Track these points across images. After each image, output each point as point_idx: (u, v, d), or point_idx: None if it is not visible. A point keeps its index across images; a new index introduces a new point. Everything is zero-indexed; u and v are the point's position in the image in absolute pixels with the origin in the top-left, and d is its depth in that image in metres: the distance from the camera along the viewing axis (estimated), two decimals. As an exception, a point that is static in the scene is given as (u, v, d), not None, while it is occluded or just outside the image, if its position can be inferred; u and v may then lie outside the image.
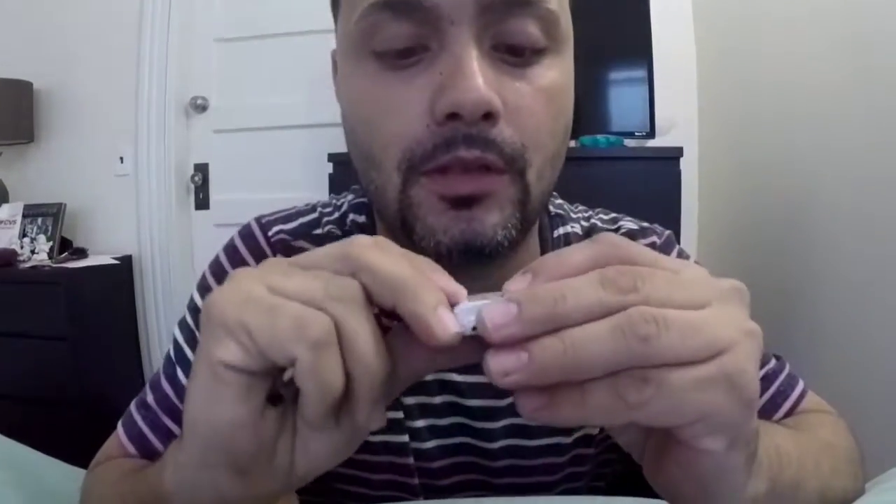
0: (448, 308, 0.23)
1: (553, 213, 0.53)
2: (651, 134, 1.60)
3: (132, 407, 0.49)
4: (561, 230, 0.52)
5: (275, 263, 0.25)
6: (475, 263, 0.37)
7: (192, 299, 0.51)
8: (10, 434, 0.50)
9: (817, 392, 0.50)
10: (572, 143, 1.39)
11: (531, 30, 0.36)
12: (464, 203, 0.36)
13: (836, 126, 1.17)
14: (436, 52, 0.35)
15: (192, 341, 0.48)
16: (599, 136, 1.49)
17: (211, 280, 0.50)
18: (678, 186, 1.38)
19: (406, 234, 0.38)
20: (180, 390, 0.47)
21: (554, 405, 0.21)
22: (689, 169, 1.56)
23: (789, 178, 1.34)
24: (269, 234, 0.51)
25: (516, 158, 0.36)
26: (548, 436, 0.48)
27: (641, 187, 1.38)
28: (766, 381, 0.48)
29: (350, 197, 0.54)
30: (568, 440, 0.49)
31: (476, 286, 0.43)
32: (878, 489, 0.38)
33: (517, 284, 0.23)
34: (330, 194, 1.53)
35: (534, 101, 0.36)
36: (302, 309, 0.22)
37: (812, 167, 1.25)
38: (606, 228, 0.54)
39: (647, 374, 0.21)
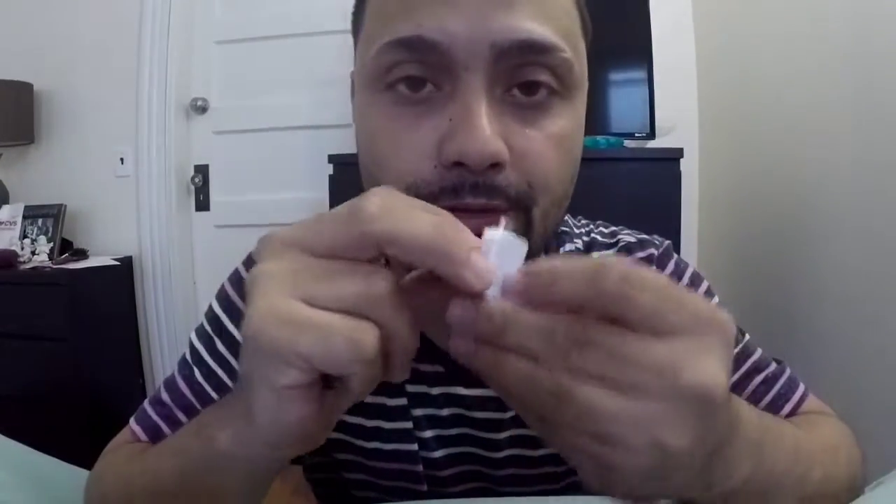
0: (479, 253, 0.24)
1: (559, 231, 0.54)
2: (651, 135, 1.61)
3: (146, 404, 0.50)
4: (567, 247, 0.54)
5: (295, 262, 0.24)
6: None
7: (210, 308, 0.52)
8: (11, 435, 0.50)
9: (816, 393, 0.50)
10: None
11: (544, 76, 0.36)
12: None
13: (836, 127, 1.17)
14: (447, 94, 0.35)
15: (211, 347, 0.50)
16: (599, 137, 1.49)
17: (231, 291, 0.52)
18: (678, 187, 1.38)
19: None
20: (196, 388, 0.49)
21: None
22: (689, 170, 1.56)
23: (790, 179, 1.34)
24: None
25: (522, 199, 0.36)
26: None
27: (642, 188, 1.38)
28: (766, 384, 0.49)
29: None
30: None
31: None
32: (880, 490, 0.38)
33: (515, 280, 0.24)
34: (330, 195, 1.54)
35: (542, 147, 0.36)
36: (352, 327, 0.23)
37: (812, 168, 1.25)
38: (606, 243, 0.55)
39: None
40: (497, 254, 0.24)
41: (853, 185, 1.11)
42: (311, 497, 0.58)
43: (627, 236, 0.56)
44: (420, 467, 0.49)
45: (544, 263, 0.24)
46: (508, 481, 0.50)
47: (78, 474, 0.48)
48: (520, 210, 0.37)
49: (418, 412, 0.49)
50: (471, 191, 0.35)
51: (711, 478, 0.26)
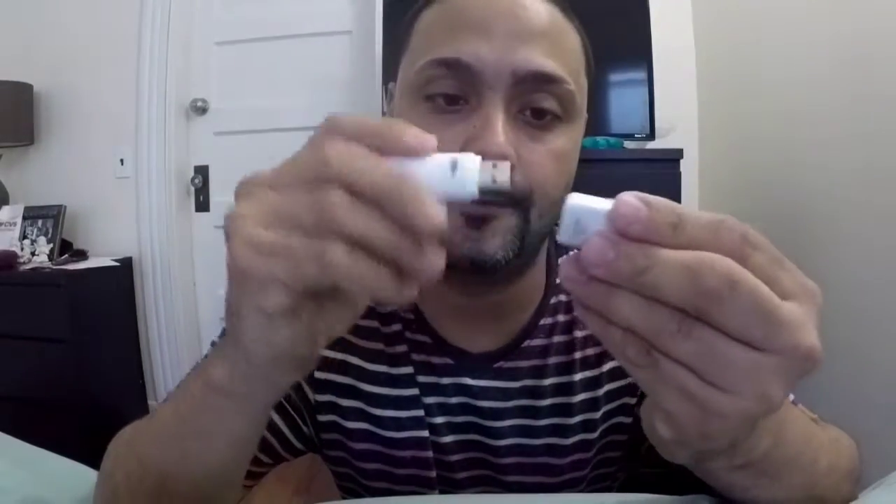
0: (435, 205, 0.24)
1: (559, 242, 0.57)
2: (651, 136, 1.61)
3: (172, 391, 0.52)
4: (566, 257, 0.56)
5: (264, 198, 0.26)
6: (478, 275, 0.45)
7: None
8: (11, 435, 0.50)
9: (819, 394, 0.51)
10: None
11: (551, 103, 0.44)
12: (476, 223, 0.44)
13: (836, 127, 1.17)
14: (473, 107, 0.44)
15: None
16: (599, 138, 1.49)
17: None
18: (678, 188, 1.39)
19: None
20: None
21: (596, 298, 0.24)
22: (689, 171, 1.56)
23: (790, 179, 1.34)
24: None
25: (523, 199, 0.44)
26: (547, 436, 0.53)
27: (641, 189, 1.35)
28: None
29: None
30: (566, 442, 0.53)
31: (481, 302, 0.51)
32: (879, 491, 0.38)
33: (629, 203, 0.24)
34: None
35: (543, 159, 0.44)
36: (312, 243, 0.24)
37: (812, 168, 1.25)
38: None
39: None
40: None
41: (853, 185, 1.11)
42: (311, 496, 0.59)
43: None
44: (430, 453, 0.53)
45: (664, 200, 0.24)
46: (511, 470, 0.53)
47: (77, 468, 0.48)
48: (521, 208, 0.44)
49: (430, 400, 0.53)
50: None
51: (739, 446, 0.28)
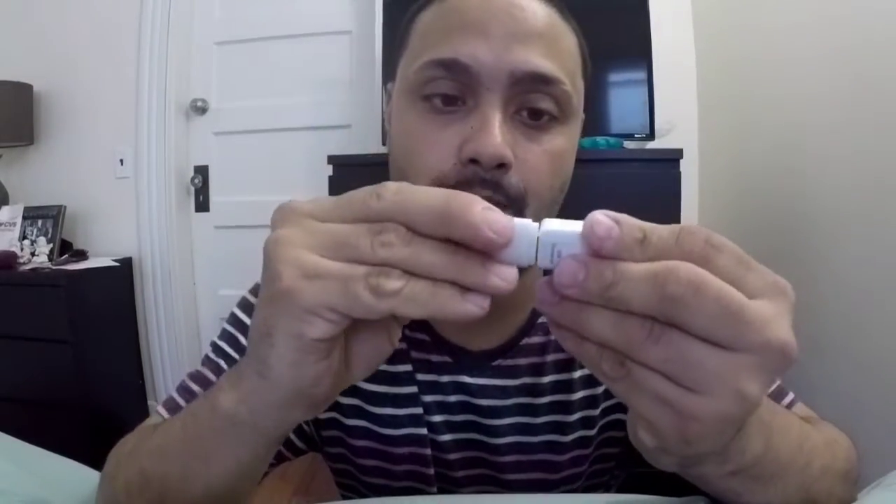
0: (494, 210, 0.24)
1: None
2: (651, 136, 1.61)
3: (174, 393, 0.53)
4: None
5: (313, 227, 0.26)
6: None
7: (232, 314, 0.57)
8: (11, 435, 0.50)
9: (818, 396, 0.51)
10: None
11: (548, 103, 0.45)
12: None
13: (836, 127, 1.17)
14: (470, 107, 0.44)
15: (236, 343, 0.55)
16: (599, 138, 1.49)
17: (250, 297, 0.57)
18: (678, 188, 1.38)
19: None
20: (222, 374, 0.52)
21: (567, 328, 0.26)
22: (689, 171, 1.56)
23: (789, 179, 1.34)
24: None
25: (518, 199, 0.44)
26: (547, 433, 0.53)
27: (641, 189, 1.38)
28: None
29: None
30: (565, 439, 0.53)
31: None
32: (878, 491, 0.38)
33: (603, 223, 0.24)
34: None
35: (539, 160, 0.45)
36: (371, 271, 0.24)
37: (812, 168, 1.25)
38: None
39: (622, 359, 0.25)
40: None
41: (853, 185, 1.11)
42: (311, 496, 0.59)
43: None
44: (428, 450, 0.53)
45: (628, 217, 0.24)
46: (510, 468, 0.53)
47: (78, 469, 0.48)
48: (516, 208, 0.44)
49: (428, 398, 0.53)
50: (480, 184, 0.42)
51: (728, 451, 0.29)
